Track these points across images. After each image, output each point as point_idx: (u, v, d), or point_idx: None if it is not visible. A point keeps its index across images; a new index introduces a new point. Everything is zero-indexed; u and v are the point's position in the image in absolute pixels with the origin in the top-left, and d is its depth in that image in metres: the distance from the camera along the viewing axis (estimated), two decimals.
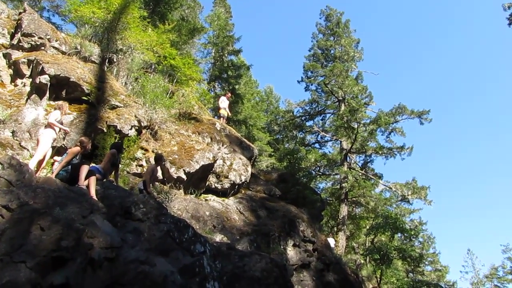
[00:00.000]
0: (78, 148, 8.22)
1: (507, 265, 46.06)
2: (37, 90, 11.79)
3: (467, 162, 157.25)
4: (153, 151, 12.64)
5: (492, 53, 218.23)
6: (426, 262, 42.71)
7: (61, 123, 9.54)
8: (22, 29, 13.83)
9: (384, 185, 28.65)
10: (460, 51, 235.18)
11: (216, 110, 22.10)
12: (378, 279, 24.04)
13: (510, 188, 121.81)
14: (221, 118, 20.31)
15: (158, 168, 11.20)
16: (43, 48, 14.00)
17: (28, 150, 10.28)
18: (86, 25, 16.49)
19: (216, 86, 33.16)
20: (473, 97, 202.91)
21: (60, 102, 10.65)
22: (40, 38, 14.02)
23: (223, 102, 21.08)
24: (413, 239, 26.60)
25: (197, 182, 13.71)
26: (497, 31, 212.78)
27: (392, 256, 21.92)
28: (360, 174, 29.13)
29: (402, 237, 26.14)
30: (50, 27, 15.20)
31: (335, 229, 28.07)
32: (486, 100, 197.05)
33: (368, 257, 28.17)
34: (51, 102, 11.73)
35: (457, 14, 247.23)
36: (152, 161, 11.52)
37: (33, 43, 13.85)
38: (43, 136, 8.90)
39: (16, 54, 13.19)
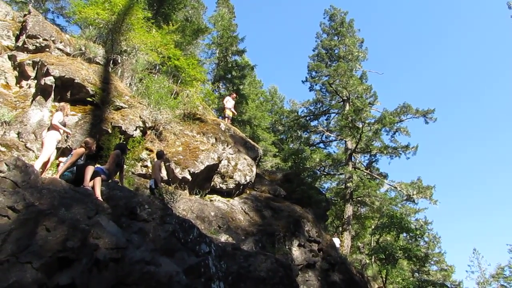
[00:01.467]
0: (83, 149, 8.23)
1: None
2: (42, 91, 11.82)
3: (472, 161, 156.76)
4: (157, 152, 12.66)
5: (497, 51, 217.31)
6: (432, 262, 42.55)
7: (64, 124, 9.56)
8: (27, 31, 13.89)
9: (389, 185, 28.55)
10: (465, 49, 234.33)
11: (221, 110, 22.10)
12: (384, 279, 23.95)
13: None
14: (226, 119, 20.31)
15: (162, 164, 11.33)
16: (48, 49, 14.05)
17: (33, 151, 10.31)
18: (90, 27, 16.54)
19: (221, 87, 33.18)
20: (479, 96, 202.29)
21: (62, 104, 10.64)
22: (44, 39, 14.08)
23: (229, 102, 21.08)
24: (419, 238, 26.44)
25: (202, 182, 13.71)
26: (502, 29, 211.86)
27: (397, 256, 21.86)
28: (365, 173, 29.04)
29: (408, 236, 26.02)
30: (55, 29, 15.25)
31: (340, 229, 28.00)
32: (492, 98, 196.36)
33: (373, 257, 28.11)
34: (56, 104, 11.75)
35: (461, 12, 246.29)
36: (156, 159, 11.59)
37: (38, 44, 13.91)
38: (47, 138, 8.94)
39: (21, 56, 13.24)
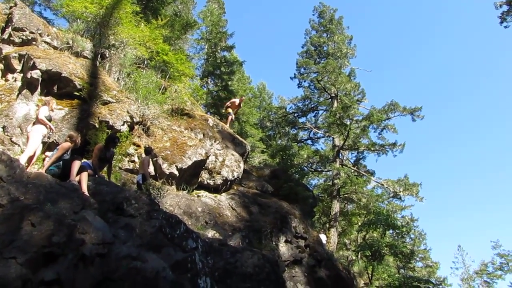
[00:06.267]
0: (68, 144, 8.17)
1: (496, 261, 46.44)
2: (29, 85, 11.68)
3: (458, 158, 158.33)
4: (145, 147, 12.62)
5: (484, 51, 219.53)
6: (417, 258, 42.95)
7: (50, 119, 9.50)
8: (13, 23, 13.70)
9: (376, 182, 28.82)
10: (453, 48, 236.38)
11: (217, 106, 22.09)
12: (370, 275, 24.18)
13: (500, 184, 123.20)
14: (229, 117, 20.55)
15: (150, 160, 11.32)
16: (34, 43, 13.87)
17: (19, 145, 10.21)
18: (78, 20, 16.35)
19: (209, 82, 33.08)
20: (464, 95, 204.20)
21: (47, 98, 10.54)
22: (31, 32, 13.90)
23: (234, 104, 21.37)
24: (405, 235, 26.78)
25: (189, 178, 13.69)
26: (489, 29, 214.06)
27: (383, 252, 22.09)
28: (352, 170, 29.25)
29: (394, 233, 26.28)
30: (42, 22, 15.07)
31: (327, 225, 28.20)
32: (477, 97, 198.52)
33: (359, 253, 28.32)
34: (43, 98, 11.62)
35: (449, 11, 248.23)
36: (144, 155, 11.57)
37: (24, 37, 13.72)
38: (33, 132, 8.88)
39: (7, 49, 13.06)
